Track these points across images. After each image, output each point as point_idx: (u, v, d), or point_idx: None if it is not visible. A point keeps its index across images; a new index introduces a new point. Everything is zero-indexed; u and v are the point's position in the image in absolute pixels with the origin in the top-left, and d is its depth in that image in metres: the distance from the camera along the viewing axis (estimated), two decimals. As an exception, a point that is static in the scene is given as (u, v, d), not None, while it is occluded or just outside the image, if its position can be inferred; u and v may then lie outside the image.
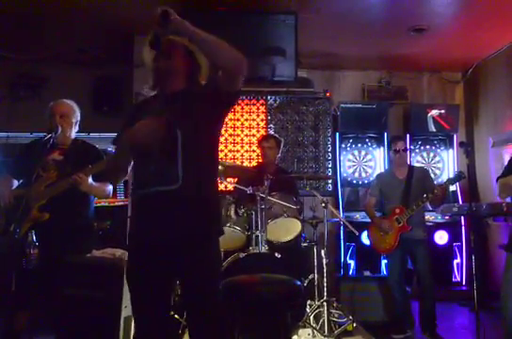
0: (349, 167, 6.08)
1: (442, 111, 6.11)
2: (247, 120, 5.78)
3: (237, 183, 4.20)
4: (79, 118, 3.52)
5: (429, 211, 4.96)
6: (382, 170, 5.94)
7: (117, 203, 5.20)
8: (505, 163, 3.31)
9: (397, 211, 4.29)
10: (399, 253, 4.32)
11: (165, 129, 2.13)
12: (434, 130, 6.12)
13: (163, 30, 2.04)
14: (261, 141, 4.66)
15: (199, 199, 2.16)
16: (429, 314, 4.17)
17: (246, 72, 2.13)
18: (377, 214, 4.57)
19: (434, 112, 6.10)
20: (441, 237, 5.83)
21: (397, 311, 4.36)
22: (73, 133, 3.50)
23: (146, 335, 2.16)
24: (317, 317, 3.95)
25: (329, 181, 5.84)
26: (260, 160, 5.00)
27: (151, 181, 2.14)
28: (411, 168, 4.55)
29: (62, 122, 3.35)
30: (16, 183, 3.40)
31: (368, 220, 5.60)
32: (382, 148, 6.06)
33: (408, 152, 4.57)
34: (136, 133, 2.12)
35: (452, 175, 4.39)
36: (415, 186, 4.33)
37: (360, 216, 5.70)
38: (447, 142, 6.26)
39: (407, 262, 4.33)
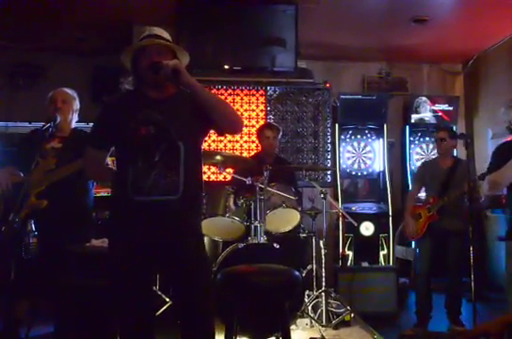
0: (348, 158, 6.07)
1: (442, 103, 6.13)
2: (246, 110, 5.75)
3: (236, 173, 4.20)
4: (78, 106, 3.52)
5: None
6: (382, 162, 5.96)
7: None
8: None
9: (431, 200, 4.30)
10: (429, 244, 4.27)
11: (169, 140, 2.20)
12: (433, 122, 6.14)
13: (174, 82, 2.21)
14: (264, 131, 4.49)
15: (192, 209, 2.31)
16: (454, 306, 4.27)
17: (241, 132, 2.29)
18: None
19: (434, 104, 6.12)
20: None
21: (417, 304, 4.32)
22: (74, 122, 3.50)
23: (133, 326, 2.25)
24: (315, 307, 3.97)
25: (329, 172, 5.83)
26: (258, 150, 4.92)
27: (152, 190, 2.16)
28: (456, 159, 4.49)
29: (63, 107, 3.36)
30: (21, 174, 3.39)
31: (366, 212, 5.69)
32: (382, 139, 6.03)
33: (449, 142, 4.32)
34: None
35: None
36: (456, 178, 4.24)
37: (358, 207, 5.72)
38: (447, 134, 6.25)
39: (436, 254, 4.26)
